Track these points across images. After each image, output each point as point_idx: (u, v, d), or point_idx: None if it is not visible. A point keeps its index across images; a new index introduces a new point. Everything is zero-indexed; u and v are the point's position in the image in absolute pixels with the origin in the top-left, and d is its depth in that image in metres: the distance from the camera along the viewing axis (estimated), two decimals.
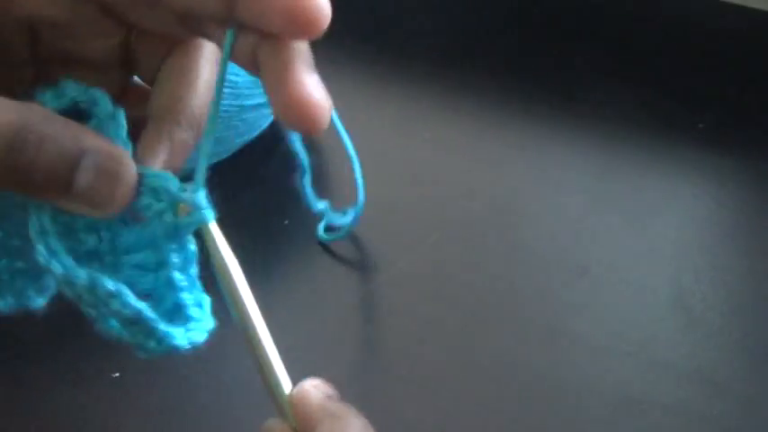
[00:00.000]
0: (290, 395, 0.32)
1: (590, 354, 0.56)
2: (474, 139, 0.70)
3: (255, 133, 0.66)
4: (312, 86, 0.29)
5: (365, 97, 0.74)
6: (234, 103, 0.62)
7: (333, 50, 0.78)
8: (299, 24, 0.29)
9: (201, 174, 0.31)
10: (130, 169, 0.31)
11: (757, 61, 0.75)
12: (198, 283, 0.33)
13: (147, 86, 0.35)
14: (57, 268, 0.31)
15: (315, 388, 0.33)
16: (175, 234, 0.32)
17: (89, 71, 0.33)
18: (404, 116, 0.72)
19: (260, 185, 0.65)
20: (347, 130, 0.63)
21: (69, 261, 0.31)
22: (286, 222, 0.63)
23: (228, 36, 0.30)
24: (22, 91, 0.33)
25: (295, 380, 0.33)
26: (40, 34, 0.33)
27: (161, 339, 0.32)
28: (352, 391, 0.53)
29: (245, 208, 0.63)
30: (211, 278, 0.32)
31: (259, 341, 0.32)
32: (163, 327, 0.32)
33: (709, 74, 0.73)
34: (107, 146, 0.31)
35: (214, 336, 0.54)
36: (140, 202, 0.31)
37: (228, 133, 0.63)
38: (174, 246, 0.32)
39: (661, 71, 0.74)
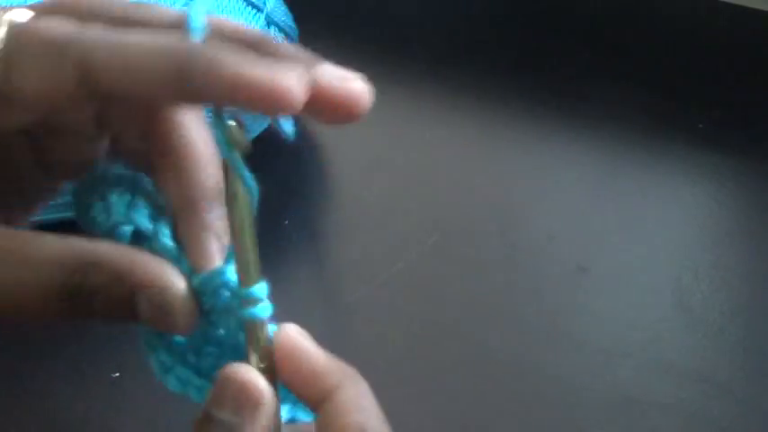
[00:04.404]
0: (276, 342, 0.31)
1: (590, 354, 0.56)
2: (474, 139, 0.70)
3: (255, 133, 0.66)
4: (339, 75, 0.29)
5: None
6: None
7: (333, 50, 0.78)
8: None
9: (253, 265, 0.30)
10: (181, 295, 0.30)
11: (757, 61, 0.75)
12: None
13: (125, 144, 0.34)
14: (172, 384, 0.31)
15: (303, 337, 0.32)
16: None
17: (74, 140, 0.33)
18: (404, 116, 0.72)
19: (260, 185, 0.65)
20: (347, 131, 0.63)
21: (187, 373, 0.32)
22: (286, 222, 0.63)
23: (222, 129, 0.30)
24: (22, 162, 0.33)
25: None
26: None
27: None
28: None
29: None
30: None
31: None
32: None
33: (709, 74, 0.73)
34: (155, 277, 0.30)
35: None
36: (208, 308, 0.31)
37: None
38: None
39: (661, 71, 0.74)
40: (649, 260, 0.62)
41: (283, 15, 0.64)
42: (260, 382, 0.30)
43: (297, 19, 0.65)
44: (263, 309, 0.30)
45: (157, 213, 0.32)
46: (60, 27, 0.30)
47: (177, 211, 0.32)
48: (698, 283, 0.60)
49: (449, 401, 0.54)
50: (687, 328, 0.58)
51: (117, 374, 0.54)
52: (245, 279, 0.30)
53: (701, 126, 0.70)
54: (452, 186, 0.67)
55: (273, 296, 0.32)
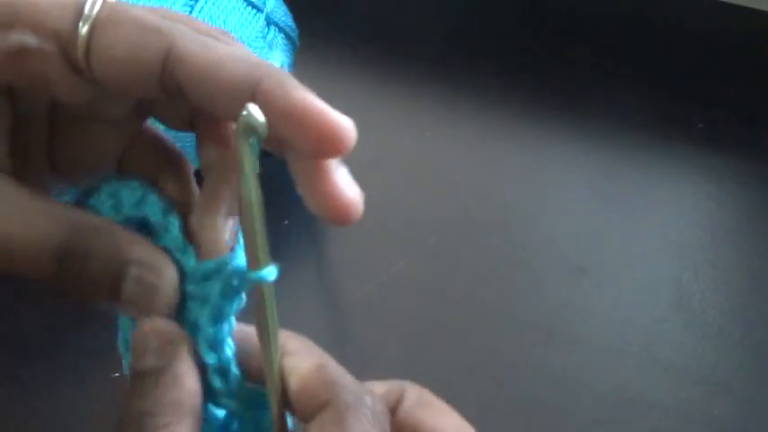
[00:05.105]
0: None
1: (590, 354, 0.56)
2: (474, 139, 0.70)
3: None
4: (345, 183, 0.31)
5: (365, 97, 0.74)
6: None
7: (333, 50, 0.78)
8: (327, 149, 0.31)
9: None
10: (169, 280, 0.30)
11: (757, 61, 0.75)
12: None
13: (155, 132, 0.34)
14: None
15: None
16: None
17: (104, 126, 0.33)
18: (404, 116, 0.72)
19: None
20: None
21: None
22: (286, 222, 0.63)
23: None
24: (35, 150, 0.33)
25: None
26: (59, 106, 0.33)
27: None
28: None
29: None
30: None
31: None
32: None
33: (709, 74, 0.73)
34: (150, 257, 0.30)
35: None
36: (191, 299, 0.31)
37: None
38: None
39: (661, 71, 0.74)
40: (649, 260, 0.62)
41: (283, 15, 0.64)
42: (174, 326, 0.30)
43: (297, 19, 0.65)
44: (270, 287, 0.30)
45: (167, 209, 0.32)
46: (151, 13, 0.30)
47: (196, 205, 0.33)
48: (698, 282, 0.60)
49: (449, 401, 0.54)
50: (687, 327, 0.58)
51: (117, 374, 0.54)
52: (254, 263, 0.30)
53: (700, 126, 0.70)
54: (452, 186, 0.67)
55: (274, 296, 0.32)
